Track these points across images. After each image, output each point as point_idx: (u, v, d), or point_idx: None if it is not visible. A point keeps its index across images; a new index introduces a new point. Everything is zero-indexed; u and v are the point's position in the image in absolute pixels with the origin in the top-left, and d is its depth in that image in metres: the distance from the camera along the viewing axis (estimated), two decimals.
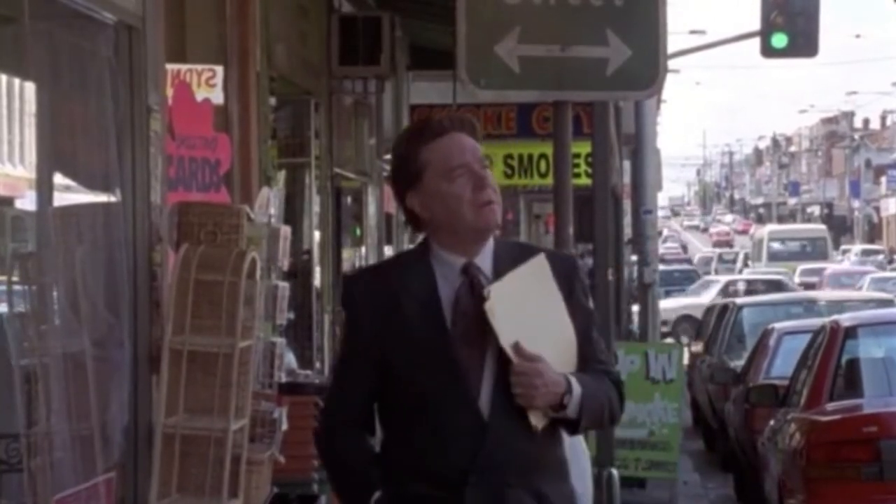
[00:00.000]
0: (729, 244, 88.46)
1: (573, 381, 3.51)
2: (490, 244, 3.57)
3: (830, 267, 47.15)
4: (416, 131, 3.58)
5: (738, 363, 14.73)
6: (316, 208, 10.05)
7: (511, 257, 3.56)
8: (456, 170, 3.48)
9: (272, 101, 8.45)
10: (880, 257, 59.05)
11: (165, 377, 5.29)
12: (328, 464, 3.67)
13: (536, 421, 3.49)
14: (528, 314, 3.50)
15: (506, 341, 3.46)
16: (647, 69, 6.93)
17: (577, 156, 13.19)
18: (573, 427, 3.56)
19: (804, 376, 9.80)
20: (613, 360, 3.75)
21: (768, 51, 16.78)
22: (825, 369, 9.23)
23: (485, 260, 3.55)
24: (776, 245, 55.81)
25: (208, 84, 7.19)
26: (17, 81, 5.63)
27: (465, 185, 3.49)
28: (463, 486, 3.46)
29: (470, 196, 3.49)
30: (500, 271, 3.53)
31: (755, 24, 17.11)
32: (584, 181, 13.11)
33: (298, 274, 9.50)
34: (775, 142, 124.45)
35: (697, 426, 18.30)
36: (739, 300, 19.97)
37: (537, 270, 3.54)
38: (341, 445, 3.58)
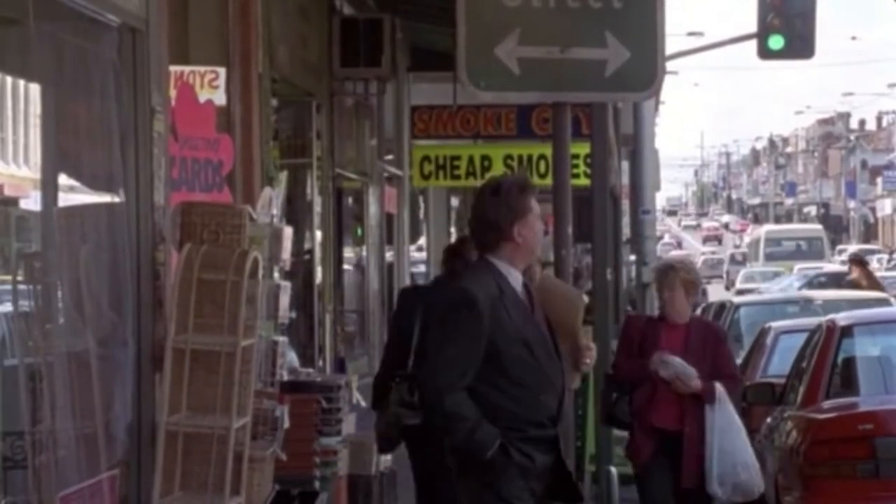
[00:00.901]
0: (718, 239, 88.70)
1: None
2: None
3: (827, 266, 47.14)
4: (525, 184, 5.11)
5: (736, 362, 14.73)
6: (317, 208, 10.09)
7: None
8: (539, 216, 5.09)
9: (274, 102, 8.49)
10: (876, 257, 59.03)
11: (168, 376, 5.33)
12: (461, 417, 4.91)
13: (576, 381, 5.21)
14: None
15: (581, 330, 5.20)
16: (645, 70, 6.98)
17: (576, 156, 13.20)
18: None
19: (801, 375, 9.84)
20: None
21: (765, 52, 16.80)
22: (821, 368, 9.26)
23: None
24: (773, 245, 55.85)
25: (211, 85, 7.23)
26: (21, 83, 5.67)
27: (541, 227, 5.11)
28: (555, 426, 4.98)
29: (541, 235, 5.14)
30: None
31: (752, 26, 17.14)
32: (583, 182, 13.13)
33: (300, 273, 9.53)
34: (772, 143, 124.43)
35: None
36: (736, 299, 19.99)
37: None
38: (471, 408, 4.87)
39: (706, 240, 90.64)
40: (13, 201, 5.95)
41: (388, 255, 13.45)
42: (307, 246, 10.01)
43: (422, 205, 17.90)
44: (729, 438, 7.33)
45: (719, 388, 7.35)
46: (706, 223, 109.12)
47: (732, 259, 62.28)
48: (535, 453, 4.93)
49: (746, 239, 68.84)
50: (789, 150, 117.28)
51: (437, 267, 16.79)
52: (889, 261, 56.03)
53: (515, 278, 5.03)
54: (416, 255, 17.37)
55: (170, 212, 5.66)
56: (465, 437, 4.88)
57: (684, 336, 7.43)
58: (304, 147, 10.12)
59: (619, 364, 7.42)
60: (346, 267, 12.13)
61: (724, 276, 57.92)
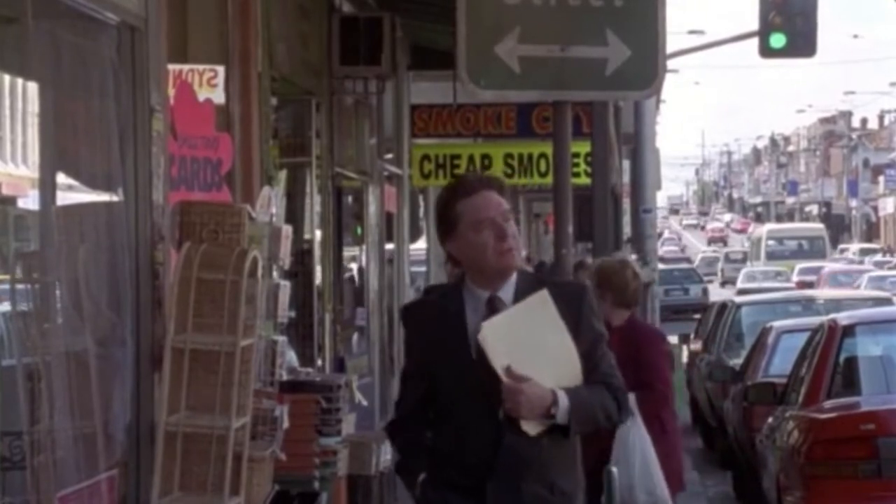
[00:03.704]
0: (723, 241, 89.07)
1: (560, 394, 4.20)
2: (513, 278, 4.28)
3: (828, 265, 47.23)
4: (452, 189, 4.32)
5: (737, 361, 14.75)
6: (317, 208, 10.08)
7: (530, 290, 4.26)
8: (482, 223, 4.22)
9: (273, 101, 8.47)
10: (878, 256, 59.12)
11: (167, 375, 5.32)
12: (395, 448, 4.53)
13: (528, 428, 4.19)
14: (526, 342, 4.18)
15: (498, 365, 4.17)
16: (646, 69, 6.96)
17: (577, 155, 13.20)
18: (565, 431, 4.23)
19: (802, 374, 9.83)
20: (617, 374, 4.39)
21: (767, 51, 16.79)
22: (823, 367, 9.25)
23: (507, 292, 4.28)
24: (774, 244, 55.99)
25: (210, 84, 7.22)
26: (20, 81, 5.64)
27: (489, 236, 4.22)
28: (485, 479, 4.22)
29: (493, 244, 4.22)
30: (519, 301, 4.23)
31: (754, 25, 17.13)
32: (584, 181, 13.12)
33: (299, 273, 9.52)
34: (773, 141, 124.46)
35: (696, 424, 18.33)
36: (738, 299, 19.99)
37: (538, 303, 4.21)
38: (400, 435, 4.44)
39: (711, 241, 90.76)
40: (11, 200, 5.93)
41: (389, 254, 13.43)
42: (306, 245, 10.00)
43: (422, 204, 17.89)
44: (627, 454, 7.00)
45: (630, 399, 6.95)
46: (710, 224, 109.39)
47: (727, 258, 62.81)
48: (451, 499, 4.24)
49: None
50: (791, 148, 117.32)
51: (437, 267, 16.81)
52: (884, 256, 56.15)
53: (477, 298, 4.27)
54: (416, 255, 17.36)
55: (169, 211, 5.65)
56: (397, 468, 4.46)
57: (615, 341, 7.20)
58: (303, 146, 10.11)
59: None
60: (353, 265, 12.12)
61: (720, 273, 58.62)
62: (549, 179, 12.70)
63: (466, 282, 4.31)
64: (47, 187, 5.22)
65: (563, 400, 4.18)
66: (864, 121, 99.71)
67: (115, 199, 5.52)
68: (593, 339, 4.27)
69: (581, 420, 4.22)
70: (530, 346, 4.18)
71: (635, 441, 6.98)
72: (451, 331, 4.26)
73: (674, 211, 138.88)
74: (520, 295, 4.25)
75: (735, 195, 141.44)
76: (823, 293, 21.19)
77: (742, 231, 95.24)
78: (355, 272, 12.53)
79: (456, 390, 4.24)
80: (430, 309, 4.43)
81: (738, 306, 17.37)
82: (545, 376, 4.16)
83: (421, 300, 4.83)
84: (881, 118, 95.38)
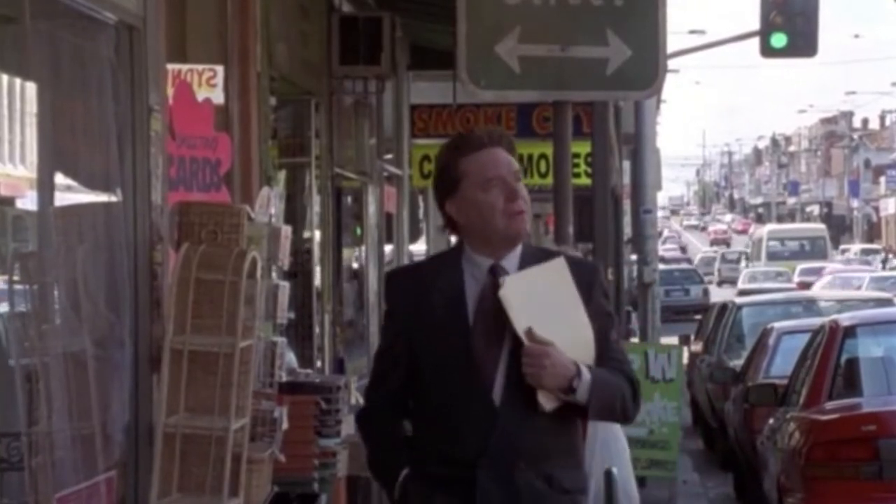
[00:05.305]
0: (726, 242, 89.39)
1: (583, 367, 3.78)
2: (518, 249, 3.88)
3: (829, 266, 47.32)
4: (456, 144, 3.90)
5: (738, 362, 14.76)
6: (316, 208, 10.06)
7: (536, 260, 3.87)
8: (491, 181, 3.81)
9: (273, 100, 8.46)
10: (879, 257, 59.24)
11: (166, 376, 5.30)
12: (364, 442, 4.07)
13: (545, 401, 3.76)
14: (544, 307, 3.78)
15: (519, 326, 3.75)
16: (646, 69, 6.96)
17: (577, 156, 13.19)
18: (584, 412, 3.82)
19: (803, 375, 9.82)
20: (629, 362, 4.00)
21: (767, 51, 16.80)
22: (824, 368, 9.25)
23: (512, 262, 3.87)
24: (775, 244, 56.10)
25: (209, 84, 7.20)
26: (18, 81, 5.63)
27: (498, 196, 3.81)
28: (475, 468, 3.77)
29: (503, 206, 3.81)
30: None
31: (755, 24, 17.14)
32: (584, 181, 13.12)
33: (299, 273, 9.51)
34: (774, 142, 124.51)
35: (697, 425, 18.33)
36: (739, 300, 19.99)
37: (555, 270, 3.84)
38: (375, 427, 3.98)
39: (714, 242, 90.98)
40: (9, 201, 5.91)
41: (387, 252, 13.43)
42: (306, 246, 9.99)
43: (421, 204, 17.88)
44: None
45: None
46: (713, 226, 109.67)
47: (723, 258, 63.29)
48: (435, 495, 3.81)
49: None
50: (792, 149, 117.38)
51: None
52: (884, 260, 56.25)
53: (477, 266, 3.84)
54: (416, 256, 17.36)
55: (167, 211, 5.63)
56: (372, 467, 4.01)
57: None
58: (302, 146, 10.09)
59: None
60: (356, 266, 12.10)
61: (716, 273, 59.13)
62: (550, 180, 12.69)
63: (465, 249, 3.86)
64: (45, 188, 5.20)
65: (586, 374, 3.75)
66: (865, 121, 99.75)
67: (113, 199, 5.50)
68: (604, 322, 3.85)
69: (601, 401, 3.78)
70: (547, 312, 3.77)
71: (618, 438, 7.01)
72: (446, 299, 3.80)
73: (674, 211, 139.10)
74: (525, 266, 3.84)
75: (736, 195, 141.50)
76: (824, 294, 21.19)
77: (743, 232, 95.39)
78: (357, 273, 12.54)
79: (444, 368, 3.78)
80: (420, 275, 3.94)
81: (739, 307, 17.38)
82: (562, 349, 3.75)
83: (409, 265, 4.45)
84: (882, 118, 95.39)
